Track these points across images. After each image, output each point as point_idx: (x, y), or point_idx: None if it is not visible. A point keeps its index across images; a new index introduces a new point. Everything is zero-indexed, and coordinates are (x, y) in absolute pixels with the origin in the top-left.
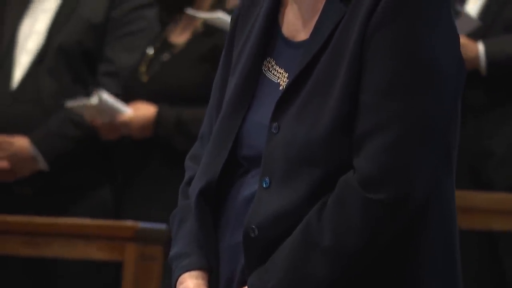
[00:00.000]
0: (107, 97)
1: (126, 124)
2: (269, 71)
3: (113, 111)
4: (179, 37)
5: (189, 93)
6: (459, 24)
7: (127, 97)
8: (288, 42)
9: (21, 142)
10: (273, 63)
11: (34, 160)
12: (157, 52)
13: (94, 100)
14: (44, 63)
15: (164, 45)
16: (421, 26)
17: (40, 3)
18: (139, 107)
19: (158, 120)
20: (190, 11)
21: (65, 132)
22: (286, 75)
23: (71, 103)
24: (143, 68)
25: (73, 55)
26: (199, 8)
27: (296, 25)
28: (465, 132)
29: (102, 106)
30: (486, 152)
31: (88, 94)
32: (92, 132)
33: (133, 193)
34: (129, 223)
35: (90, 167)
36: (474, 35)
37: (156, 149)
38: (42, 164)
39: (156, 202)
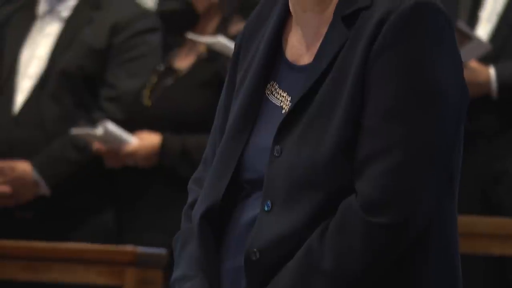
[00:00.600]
0: (113, 128)
1: (131, 155)
2: (272, 94)
3: (118, 141)
4: (183, 62)
5: (192, 118)
6: (470, 48)
7: (130, 121)
8: (292, 66)
9: (23, 167)
10: (276, 86)
11: (36, 185)
12: (161, 77)
13: (99, 130)
14: (46, 88)
15: (167, 70)
16: (424, 51)
17: (41, 28)
18: (144, 137)
19: (163, 150)
20: (191, 35)
21: (67, 157)
22: (288, 99)
23: (76, 131)
24: (146, 92)
25: (75, 80)
26: (202, 32)
27: (300, 49)
28: (477, 157)
29: (107, 137)
30: (498, 176)
31: (90, 119)
32: (95, 156)
33: (135, 217)
34: (128, 247)
35: (93, 191)
36: (485, 59)
37: (159, 173)
38: (44, 189)
39: (159, 226)
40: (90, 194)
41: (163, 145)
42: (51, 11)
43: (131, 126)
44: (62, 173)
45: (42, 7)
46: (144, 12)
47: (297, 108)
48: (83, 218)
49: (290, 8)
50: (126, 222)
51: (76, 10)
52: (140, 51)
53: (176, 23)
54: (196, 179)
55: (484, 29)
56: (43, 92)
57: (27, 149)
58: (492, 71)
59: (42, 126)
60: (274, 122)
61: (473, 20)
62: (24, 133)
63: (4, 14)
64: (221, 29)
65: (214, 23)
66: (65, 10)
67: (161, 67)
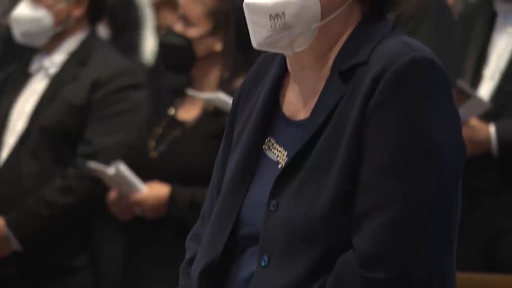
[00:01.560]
0: (125, 170)
1: (139, 203)
2: (269, 149)
3: (128, 186)
4: (187, 113)
5: (200, 170)
6: (470, 106)
7: (136, 173)
8: (289, 121)
9: None
10: (273, 141)
11: (8, 241)
12: (166, 129)
13: (111, 170)
14: (26, 144)
15: (172, 122)
16: (422, 107)
17: (31, 86)
18: (153, 187)
19: (171, 201)
20: (190, 91)
21: (38, 212)
22: (285, 153)
23: (92, 164)
24: (152, 144)
25: (55, 136)
26: (204, 87)
27: (297, 104)
28: (480, 214)
29: (118, 178)
30: (500, 233)
31: (64, 175)
32: (68, 211)
33: (141, 267)
34: None
35: (71, 248)
36: (487, 117)
37: (166, 223)
38: (15, 244)
39: (165, 276)
40: (68, 251)
41: (172, 197)
42: (41, 68)
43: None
44: (32, 229)
45: (34, 65)
46: (127, 69)
47: (293, 163)
48: (62, 275)
49: (288, 65)
50: (132, 272)
51: (63, 67)
52: (119, 108)
53: (175, 59)
54: (194, 235)
55: (487, 87)
56: (24, 148)
57: (6, 204)
58: (492, 129)
59: (20, 182)
60: (270, 177)
61: (477, 78)
62: (4, 189)
63: (6, 73)
64: (223, 85)
65: (215, 72)
66: (53, 67)
67: (166, 119)
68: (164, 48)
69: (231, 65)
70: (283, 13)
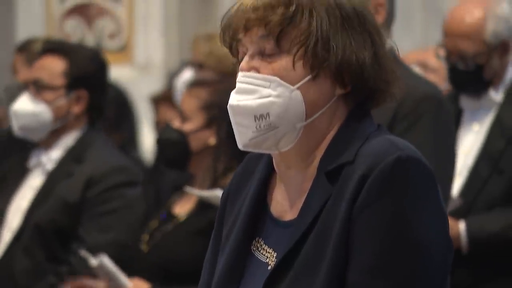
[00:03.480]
0: (108, 263)
1: None
2: (258, 250)
3: (113, 280)
4: (182, 208)
5: (188, 266)
6: None
7: (127, 266)
8: (277, 222)
9: None
10: (262, 242)
11: None
12: (161, 222)
13: (94, 262)
14: (21, 241)
15: (168, 215)
16: (408, 206)
17: (28, 181)
18: (135, 285)
19: None
20: (188, 189)
21: None
22: (274, 255)
23: (83, 253)
24: (145, 237)
25: (48, 233)
26: (200, 182)
27: (284, 205)
28: None
29: (102, 271)
30: None
31: (56, 273)
32: None
33: None
34: None
35: None
36: (457, 213)
37: None
38: None
39: None
40: None
41: None
42: (39, 164)
43: (127, 272)
44: None
45: (32, 160)
46: (122, 166)
47: (283, 264)
48: None
49: (274, 164)
50: None
51: (59, 164)
52: (113, 205)
53: (171, 155)
54: None
55: (455, 184)
56: (18, 245)
57: None
58: (462, 226)
59: (13, 280)
60: (260, 278)
61: None
62: None
63: (6, 166)
64: (219, 178)
65: (204, 164)
66: (49, 163)
67: (163, 212)
68: (160, 143)
69: (225, 159)
70: (268, 114)
